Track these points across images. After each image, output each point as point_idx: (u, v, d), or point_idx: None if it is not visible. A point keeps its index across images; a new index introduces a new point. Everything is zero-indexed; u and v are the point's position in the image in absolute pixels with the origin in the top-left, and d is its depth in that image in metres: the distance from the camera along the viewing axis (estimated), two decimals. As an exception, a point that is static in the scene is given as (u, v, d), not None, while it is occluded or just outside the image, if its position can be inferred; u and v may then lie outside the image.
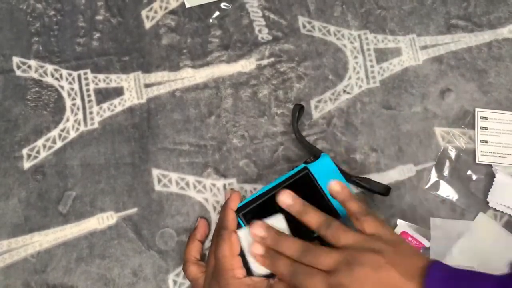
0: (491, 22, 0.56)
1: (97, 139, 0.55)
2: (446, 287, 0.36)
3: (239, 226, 0.47)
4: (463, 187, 0.52)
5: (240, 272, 0.44)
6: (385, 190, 0.50)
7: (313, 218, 0.43)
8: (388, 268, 0.38)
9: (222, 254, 0.44)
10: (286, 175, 0.48)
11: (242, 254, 0.45)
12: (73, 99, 0.56)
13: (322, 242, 0.43)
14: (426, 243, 0.50)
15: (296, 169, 0.48)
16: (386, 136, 0.54)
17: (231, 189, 0.53)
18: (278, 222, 0.45)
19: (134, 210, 0.53)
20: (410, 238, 0.50)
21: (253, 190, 0.53)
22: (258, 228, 0.43)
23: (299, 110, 0.52)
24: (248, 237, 0.45)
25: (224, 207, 0.47)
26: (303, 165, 0.48)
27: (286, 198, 0.44)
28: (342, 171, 0.49)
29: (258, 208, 0.47)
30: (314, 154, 0.50)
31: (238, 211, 0.47)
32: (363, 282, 0.38)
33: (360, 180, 0.50)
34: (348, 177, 0.50)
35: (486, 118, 0.54)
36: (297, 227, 0.44)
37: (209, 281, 0.45)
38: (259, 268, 0.44)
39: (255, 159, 0.54)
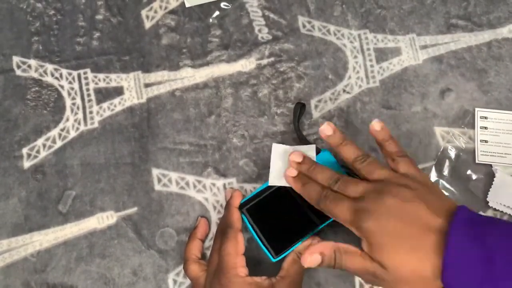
0: (491, 21, 0.56)
1: (97, 138, 0.55)
2: (472, 229, 0.36)
3: (242, 222, 0.47)
4: (463, 187, 0.52)
5: (243, 271, 0.44)
6: None
7: (350, 150, 0.44)
8: (417, 202, 0.38)
9: (227, 252, 0.44)
10: None
11: (245, 254, 0.45)
12: (73, 98, 0.56)
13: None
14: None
15: None
16: (386, 136, 0.54)
17: (231, 188, 0.53)
18: (309, 150, 0.48)
19: (134, 209, 0.53)
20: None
21: (252, 189, 0.53)
22: (296, 155, 0.46)
23: (301, 109, 0.52)
24: (280, 153, 0.48)
25: (228, 206, 0.48)
26: None
27: (326, 129, 0.45)
28: (342, 166, 0.49)
29: (261, 203, 0.47)
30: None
31: (241, 206, 0.47)
32: (389, 210, 0.38)
33: None
34: (349, 170, 0.49)
35: (486, 117, 0.54)
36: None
37: (210, 279, 0.45)
38: (276, 180, 0.47)
39: (255, 159, 0.54)
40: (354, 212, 0.40)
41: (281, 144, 0.49)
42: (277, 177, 0.48)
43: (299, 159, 0.46)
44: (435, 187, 0.42)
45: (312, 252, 0.41)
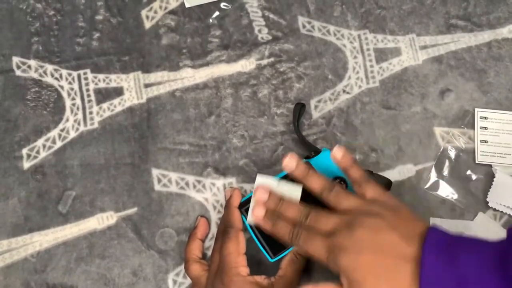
0: (491, 22, 0.56)
1: (97, 139, 0.55)
2: (444, 251, 0.36)
3: (242, 222, 0.47)
4: (463, 187, 0.52)
5: (245, 270, 0.44)
6: (387, 183, 0.50)
7: (316, 181, 0.43)
8: (388, 230, 0.38)
9: (228, 251, 0.44)
10: None
11: (246, 253, 0.45)
12: (73, 99, 0.56)
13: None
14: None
15: None
16: (385, 136, 0.54)
17: (231, 187, 0.53)
18: (294, 190, 0.45)
19: (134, 210, 0.53)
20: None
21: (252, 189, 0.53)
22: (261, 193, 0.44)
23: (300, 109, 0.52)
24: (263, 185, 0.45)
25: (228, 205, 0.48)
26: (304, 160, 0.48)
27: (290, 161, 0.44)
28: None
29: None
30: (315, 151, 0.50)
31: (241, 206, 0.47)
32: (362, 243, 0.38)
33: None
34: None
35: (485, 118, 0.54)
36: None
37: (212, 279, 0.45)
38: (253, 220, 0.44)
39: (254, 159, 0.54)
40: (328, 249, 0.39)
41: (265, 176, 0.45)
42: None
43: (264, 197, 0.44)
44: (405, 210, 0.41)
45: None
